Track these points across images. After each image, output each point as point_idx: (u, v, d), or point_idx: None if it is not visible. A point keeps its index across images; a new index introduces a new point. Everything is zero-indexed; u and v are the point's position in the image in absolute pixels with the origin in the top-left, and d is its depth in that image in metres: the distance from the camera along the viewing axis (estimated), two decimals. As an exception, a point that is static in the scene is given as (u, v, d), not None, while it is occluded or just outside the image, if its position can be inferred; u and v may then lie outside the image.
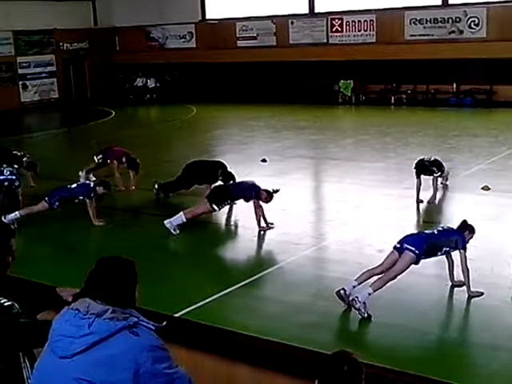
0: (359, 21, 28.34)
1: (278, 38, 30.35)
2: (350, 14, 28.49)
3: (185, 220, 10.39)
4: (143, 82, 33.89)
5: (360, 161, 16.17)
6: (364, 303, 7.01)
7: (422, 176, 11.95)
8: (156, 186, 12.76)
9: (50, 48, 32.69)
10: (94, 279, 3.04)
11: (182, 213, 10.48)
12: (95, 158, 14.18)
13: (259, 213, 10.57)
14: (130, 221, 12.03)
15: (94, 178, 13.62)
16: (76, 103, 32.62)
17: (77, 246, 10.43)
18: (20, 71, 31.74)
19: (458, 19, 26.29)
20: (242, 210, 10.99)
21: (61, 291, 3.71)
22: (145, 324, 2.99)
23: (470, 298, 7.64)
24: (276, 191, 10.93)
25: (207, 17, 32.58)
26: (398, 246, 7.44)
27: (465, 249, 7.61)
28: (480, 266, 8.00)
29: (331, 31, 29.07)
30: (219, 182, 12.29)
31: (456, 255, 7.77)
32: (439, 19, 26.67)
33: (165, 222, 10.44)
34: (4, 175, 11.95)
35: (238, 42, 31.33)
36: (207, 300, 7.81)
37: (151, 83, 33.69)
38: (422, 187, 11.88)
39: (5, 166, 13.27)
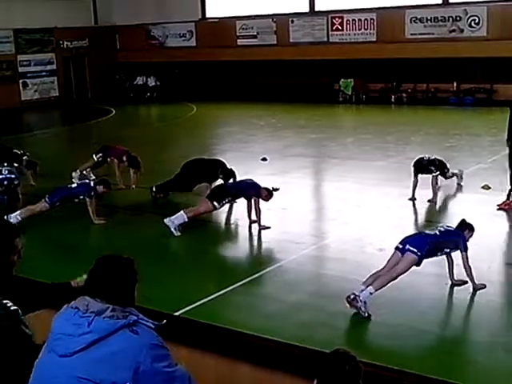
0: (360, 19, 28.34)
1: (278, 37, 30.35)
2: (351, 13, 28.49)
3: (187, 219, 10.33)
4: (143, 80, 33.92)
5: (360, 159, 16.17)
6: (365, 302, 7.02)
7: (422, 175, 11.99)
8: (154, 189, 12.66)
9: (50, 46, 32.71)
10: (93, 278, 3.05)
11: (182, 212, 10.41)
12: (94, 156, 14.16)
13: (259, 211, 10.58)
14: (130, 219, 12.02)
15: (94, 177, 13.61)
16: (76, 102, 32.63)
17: (77, 245, 10.43)
18: (20, 69, 31.76)
19: (458, 18, 26.29)
20: (242, 209, 10.98)
21: (75, 283, 3.71)
22: (144, 322, 3.00)
23: (475, 291, 7.67)
24: (276, 190, 10.95)
25: (207, 15, 32.58)
26: (400, 246, 7.42)
27: (466, 250, 7.63)
28: (478, 265, 7.99)
29: (332, 30, 29.07)
30: (219, 181, 12.31)
31: (455, 254, 7.78)
32: (440, 18, 26.67)
33: (165, 220, 10.35)
34: (2, 174, 11.94)
35: (239, 40, 31.32)
36: (207, 298, 7.81)
37: (151, 82, 33.72)
38: (419, 185, 11.91)
39: (5, 164, 13.30)
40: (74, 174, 14.08)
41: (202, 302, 7.71)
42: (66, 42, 33.07)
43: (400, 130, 20.64)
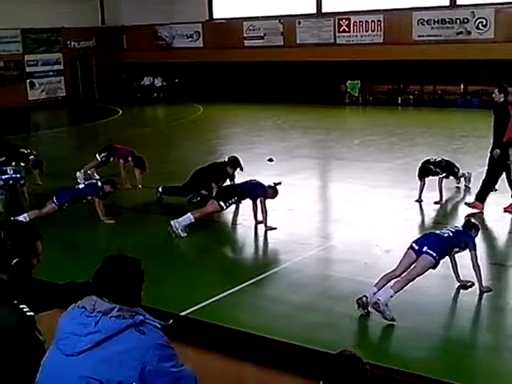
0: (367, 21, 28.31)
1: (285, 38, 30.34)
2: (358, 15, 28.46)
3: (193, 220, 10.28)
4: (150, 80, 33.99)
5: (367, 161, 16.16)
6: (387, 305, 6.95)
7: (428, 177, 12.00)
8: (160, 190, 12.64)
9: (57, 46, 32.80)
10: (100, 277, 3.05)
11: (189, 214, 10.37)
12: (98, 156, 14.15)
13: (266, 212, 10.58)
14: (136, 219, 12.03)
15: (98, 176, 13.60)
16: (83, 102, 32.70)
17: (84, 245, 10.43)
18: (28, 69, 31.85)
19: (465, 20, 26.24)
20: (248, 210, 10.98)
21: None
22: (151, 322, 3.00)
23: (482, 293, 7.66)
24: (278, 184, 10.95)
25: (214, 16, 32.61)
26: (416, 247, 7.36)
27: (475, 249, 7.63)
28: (484, 267, 7.97)
29: (338, 31, 29.06)
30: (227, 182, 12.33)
31: (458, 255, 7.78)
32: (447, 20, 26.62)
33: (172, 221, 10.28)
34: (8, 174, 12.00)
35: (246, 41, 31.34)
36: (213, 299, 7.81)
37: (158, 82, 33.77)
38: (426, 187, 11.91)
39: (13, 163, 13.38)
40: (78, 173, 14.07)
41: (208, 302, 7.71)
42: (73, 42, 33.18)
43: (406, 132, 20.62)
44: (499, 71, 25.66)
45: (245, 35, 31.34)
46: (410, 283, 7.19)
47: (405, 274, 7.25)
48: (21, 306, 3.14)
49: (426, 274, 7.33)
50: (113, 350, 2.88)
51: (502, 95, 11.15)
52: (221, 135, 22.38)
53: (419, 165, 12.19)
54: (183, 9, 32.12)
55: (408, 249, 7.44)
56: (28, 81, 31.87)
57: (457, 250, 7.66)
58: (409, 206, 11.77)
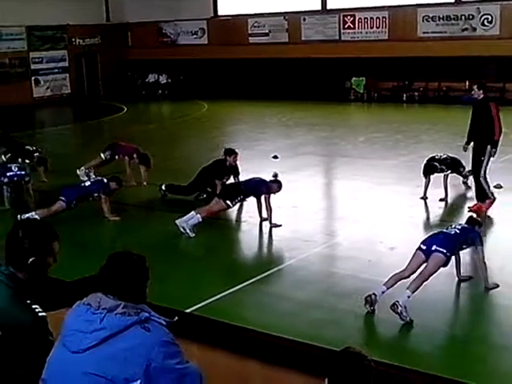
0: (371, 18, 28.27)
1: (290, 35, 30.31)
2: (363, 11, 28.42)
3: (201, 220, 10.24)
4: (155, 77, 33.99)
5: (371, 158, 16.15)
6: (405, 307, 6.93)
7: (433, 174, 12.00)
8: (163, 188, 12.63)
9: (62, 43, 32.81)
10: (105, 274, 3.05)
11: (193, 212, 10.28)
12: (102, 154, 14.09)
13: (270, 209, 10.58)
14: (141, 216, 12.06)
15: (94, 176, 13.41)
16: (88, 99, 32.73)
17: (90, 243, 10.41)
18: (33, 66, 31.88)
19: (470, 16, 26.18)
20: (253, 207, 10.99)
21: None
22: (156, 319, 3.00)
23: (487, 290, 7.67)
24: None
25: (219, 13, 32.60)
26: (424, 247, 7.37)
27: (482, 244, 7.65)
28: (490, 265, 7.96)
29: (343, 28, 29.02)
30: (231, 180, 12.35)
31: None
32: (452, 16, 26.56)
33: (177, 221, 10.20)
34: (13, 171, 12.06)
35: (250, 38, 31.32)
36: (218, 296, 7.83)
37: (163, 79, 33.78)
38: (431, 184, 11.90)
39: (19, 160, 13.44)
40: (78, 171, 14.01)
41: (213, 299, 7.73)
42: (78, 39, 33.21)
43: (411, 129, 20.59)
44: (504, 68, 25.62)
45: (250, 32, 31.32)
46: (425, 282, 7.19)
47: (418, 274, 7.24)
48: (33, 307, 3.16)
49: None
50: (118, 347, 2.88)
51: (482, 91, 11.15)
52: (226, 132, 22.38)
53: (424, 162, 12.19)
54: (188, 6, 32.11)
55: (416, 250, 7.45)
56: (33, 78, 31.91)
57: (464, 246, 7.69)
58: (414, 203, 11.76)
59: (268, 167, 14.52)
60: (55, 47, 32.58)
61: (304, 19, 29.88)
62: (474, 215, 8.51)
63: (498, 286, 7.76)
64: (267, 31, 30.90)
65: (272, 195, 10.70)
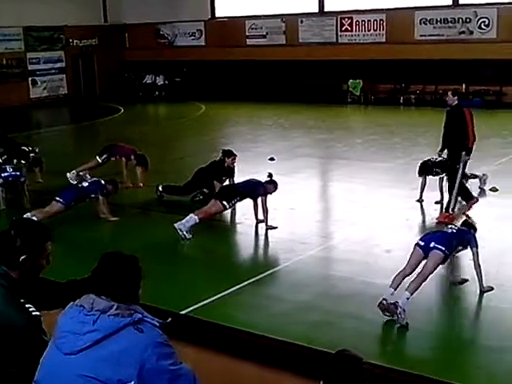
0: (369, 20, 28.29)
1: (287, 37, 30.32)
2: (360, 14, 28.44)
3: (198, 221, 10.21)
4: (152, 79, 33.97)
5: (368, 161, 16.15)
6: (404, 310, 6.91)
7: (429, 177, 12.01)
8: (160, 189, 12.60)
9: (59, 44, 32.78)
10: (98, 275, 3.04)
11: (192, 214, 10.27)
12: (98, 158, 13.94)
13: (267, 210, 10.58)
14: (138, 218, 12.04)
15: (89, 177, 13.35)
16: (85, 100, 32.70)
17: (86, 244, 10.35)
18: (30, 67, 31.82)
19: (468, 20, 26.21)
20: (249, 209, 10.98)
21: None
22: (149, 320, 2.99)
23: (482, 293, 7.68)
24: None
25: (217, 15, 32.59)
26: (422, 243, 7.39)
27: (477, 246, 7.67)
28: (486, 268, 7.97)
29: (341, 30, 29.03)
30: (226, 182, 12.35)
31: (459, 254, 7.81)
32: (449, 19, 26.59)
33: (175, 224, 10.15)
34: (7, 172, 12.05)
35: (248, 40, 31.33)
36: (213, 298, 7.81)
37: (160, 80, 33.76)
38: (427, 187, 11.91)
39: (15, 161, 13.41)
40: (68, 174, 13.83)
41: (209, 301, 7.72)
42: (75, 40, 33.16)
43: (408, 132, 20.60)
44: (502, 71, 25.66)
45: (247, 34, 31.32)
46: (424, 282, 7.19)
47: (417, 274, 7.23)
48: (27, 306, 3.15)
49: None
50: (111, 349, 2.88)
51: (456, 98, 11.14)
52: (223, 134, 22.37)
53: (419, 164, 12.18)
54: (185, 7, 32.12)
55: (414, 246, 7.46)
56: (30, 79, 31.84)
57: (460, 248, 7.71)
58: (410, 205, 11.77)
59: (265, 169, 14.51)
60: (52, 48, 32.54)
61: (301, 21, 29.89)
62: (469, 219, 8.49)
63: (492, 288, 7.77)
64: (264, 33, 30.90)
65: (268, 196, 10.70)
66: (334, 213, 12.16)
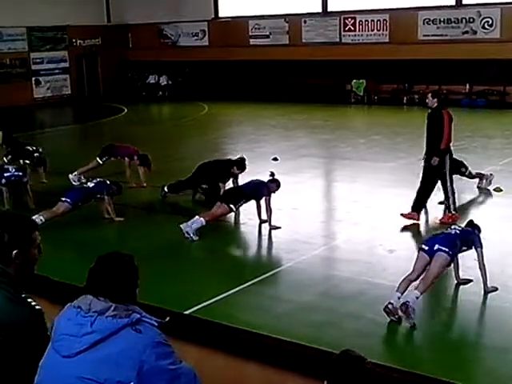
0: (372, 20, 28.28)
1: (290, 37, 30.32)
2: (363, 14, 28.43)
3: (204, 223, 10.19)
4: (155, 79, 34.00)
5: (371, 161, 16.15)
6: (414, 309, 6.89)
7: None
8: (166, 189, 12.59)
9: (63, 44, 32.83)
10: (94, 276, 3.02)
11: (197, 217, 10.22)
12: (99, 159, 13.88)
13: (270, 211, 10.58)
14: (142, 218, 12.04)
15: (84, 180, 13.18)
16: (88, 100, 32.74)
17: (92, 244, 10.30)
18: (33, 67, 31.90)
19: (471, 19, 26.19)
20: (252, 209, 10.98)
21: None
22: (147, 320, 2.97)
23: (486, 293, 7.67)
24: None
25: (220, 15, 32.61)
26: (426, 247, 7.37)
27: (482, 246, 7.67)
28: (490, 268, 7.96)
29: (344, 30, 29.03)
30: (230, 183, 12.37)
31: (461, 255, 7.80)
32: (453, 19, 26.57)
33: (182, 226, 10.12)
34: (10, 172, 12.07)
35: (251, 40, 31.33)
36: (216, 298, 7.82)
37: (163, 80, 33.78)
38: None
39: (21, 161, 13.45)
40: (71, 176, 13.80)
41: (212, 301, 7.72)
42: (78, 40, 33.22)
43: (411, 132, 20.53)
44: (505, 71, 25.63)
45: (250, 34, 31.33)
46: (433, 283, 7.17)
47: (425, 275, 7.22)
48: (29, 300, 3.16)
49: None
50: (110, 350, 2.87)
51: (436, 100, 10.95)
52: (226, 134, 22.38)
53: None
54: (189, 7, 32.13)
55: (419, 251, 7.45)
56: (34, 79, 31.92)
57: (464, 248, 7.70)
58: (413, 205, 11.73)
59: (268, 169, 14.51)
60: (56, 48, 32.60)
61: (305, 21, 29.89)
62: (473, 219, 8.48)
63: (497, 289, 7.76)
64: (268, 33, 30.91)
65: (272, 196, 10.71)
66: (337, 213, 12.15)
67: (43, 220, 10.39)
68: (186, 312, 6.97)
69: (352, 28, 28.85)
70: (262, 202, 10.70)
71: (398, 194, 12.67)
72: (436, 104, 10.89)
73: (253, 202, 10.90)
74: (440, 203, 11.77)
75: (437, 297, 7.85)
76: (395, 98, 27.97)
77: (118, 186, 11.49)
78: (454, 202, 10.92)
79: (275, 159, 15.87)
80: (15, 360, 3.07)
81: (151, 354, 2.88)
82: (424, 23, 27.18)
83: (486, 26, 25.95)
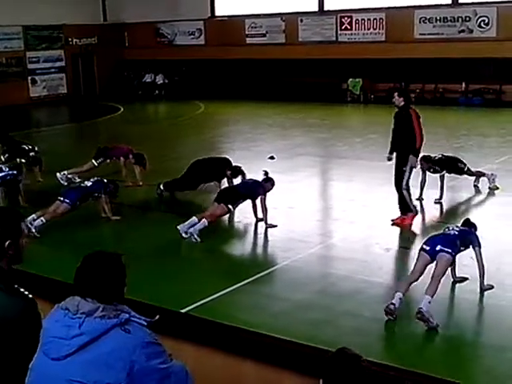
0: (369, 19, 28.27)
1: (287, 36, 30.30)
2: (360, 12, 28.42)
3: (207, 224, 10.12)
4: (152, 78, 33.95)
5: (368, 159, 16.14)
6: (430, 314, 6.87)
7: (429, 173, 12.00)
8: (161, 187, 12.59)
9: (59, 43, 32.78)
10: (82, 276, 2.98)
11: (194, 218, 10.18)
12: (94, 161, 13.81)
13: (266, 209, 10.58)
14: (139, 217, 12.03)
15: (78, 180, 13.13)
16: (85, 99, 32.69)
17: (88, 243, 10.26)
18: (29, 66, 31.84)
19: (467, 18, 26.20)
20: (248, 207, 10.98)
21: None
22: (136, 320, 2.94)
23: (482, 291, 7.69)
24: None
25: (216, 13, 32.58)
26: (428, 248, 7.38)
27: (480, 246, 7.68)
28: (486, 266, 7.97)
29: (340, 29, 29.02)
30: (225, 179, 12.37)
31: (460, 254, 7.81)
32: (449, 18, 26.57)
33: (179, 227, 10.07)
34: (4, 171, 12.07)
35: (248, 39, 31.31)
36: (213, 296, 7.82)
37: (160, 79, 33.74)
38: (427, 185, 11.91)
39: (18, 160, 13.45)
40: (58, 174, 13.68)
41: (209, 299, 7.72)
42: (74, 39, 33.17)
43: (408, 130, 20.56)
44: (501, 69, 25.66)
45: (247, 32, 31.31)
46: (440, 284, 7.17)
47: (431, 278, 7.20)
48: (21, 290, 3.15)
49: (425, 272, 7.35)
50: (99, 352, 2.84)
51: (402, 99, 10.91)
52: (222, 133, 22.37)
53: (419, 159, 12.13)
54: (185, 6, 32.09)
55: (420, 251, 7.45)
56: (30, 78, 31.86)
57: (462, 248, 7.70)
58: (410, 204, 11.74)
59: (264, 168, 14.51)
60: (52, 47, 32.55)
61: (301, 20, 29.88)
62: (470, 218, 8.48)
63: (492, 287, 7.78)
64: (264, 32, 30.89)
65: (267, 194, 10.71)
66: (334, 211, 12.15)
67: (44, 221, 10.38)
68: (183, 310, 6.96)
69: (348, 27, 28.84)
70: (258, 201, 10.70)
71: (394, 193, 12.60)
72: (403, 103, 10.83)
73: (248, 201, 10.89)
74: (436, 201, 11.79)
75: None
76: (391, 97, 27.86)
77: (115, 185, 11.47)
78: (411, 200, 10.78)
79: (272, 158, 15.87)
80: (11, 355, 3.05)
81: (141, 355, 2.85)
82: (420, 22, 27.18)
83: (482, 24, 25.97)
